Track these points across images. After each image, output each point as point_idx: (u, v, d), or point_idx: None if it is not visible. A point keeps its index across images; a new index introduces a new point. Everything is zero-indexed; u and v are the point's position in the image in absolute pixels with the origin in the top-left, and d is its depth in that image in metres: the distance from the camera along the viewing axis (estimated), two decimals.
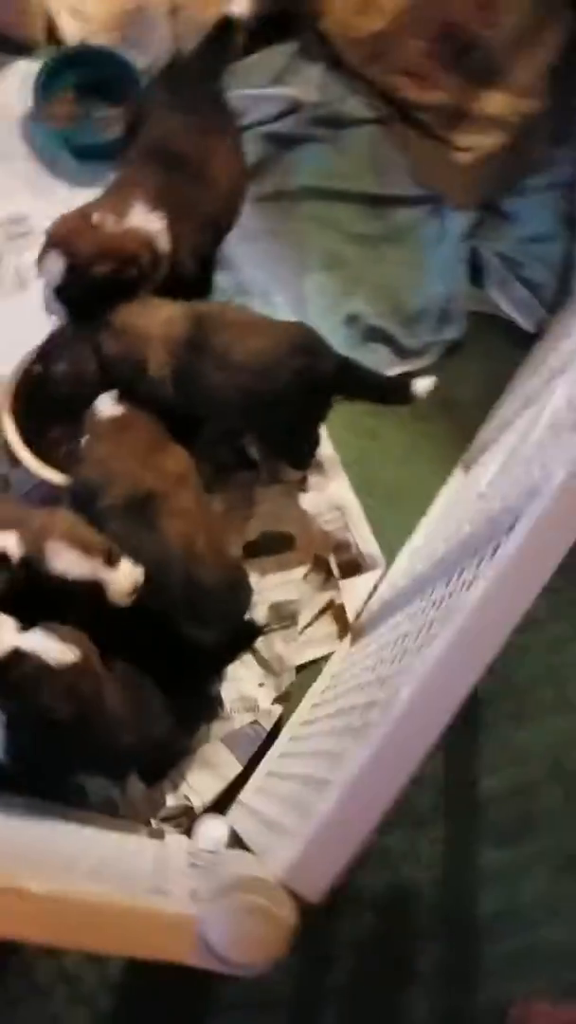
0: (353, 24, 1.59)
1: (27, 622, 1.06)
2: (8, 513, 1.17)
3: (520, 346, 1.51)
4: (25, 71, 1.56)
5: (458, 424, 1.50)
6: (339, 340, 1.47)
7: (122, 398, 1.24)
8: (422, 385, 1.27)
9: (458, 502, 1.31)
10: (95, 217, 1.21)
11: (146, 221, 1.24)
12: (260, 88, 1.59)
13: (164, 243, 1.26)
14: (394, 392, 1.30)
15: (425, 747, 0.58)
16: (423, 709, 0.59)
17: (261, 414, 1.28)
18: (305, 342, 1.25)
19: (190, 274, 1.31)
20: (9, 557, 1.08)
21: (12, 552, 1.08)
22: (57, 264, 1.21)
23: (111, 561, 1.10)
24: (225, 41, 1.35)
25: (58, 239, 1.23)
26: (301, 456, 1.40)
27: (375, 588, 1.38)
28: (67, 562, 1.08)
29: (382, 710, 0.68)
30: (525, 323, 1.52)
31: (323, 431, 1.41)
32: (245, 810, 1.12)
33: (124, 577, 1.10)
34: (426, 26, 1.56)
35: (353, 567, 1.41)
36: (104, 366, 1.25)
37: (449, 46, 1.57)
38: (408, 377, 1.32)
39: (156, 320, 1.25)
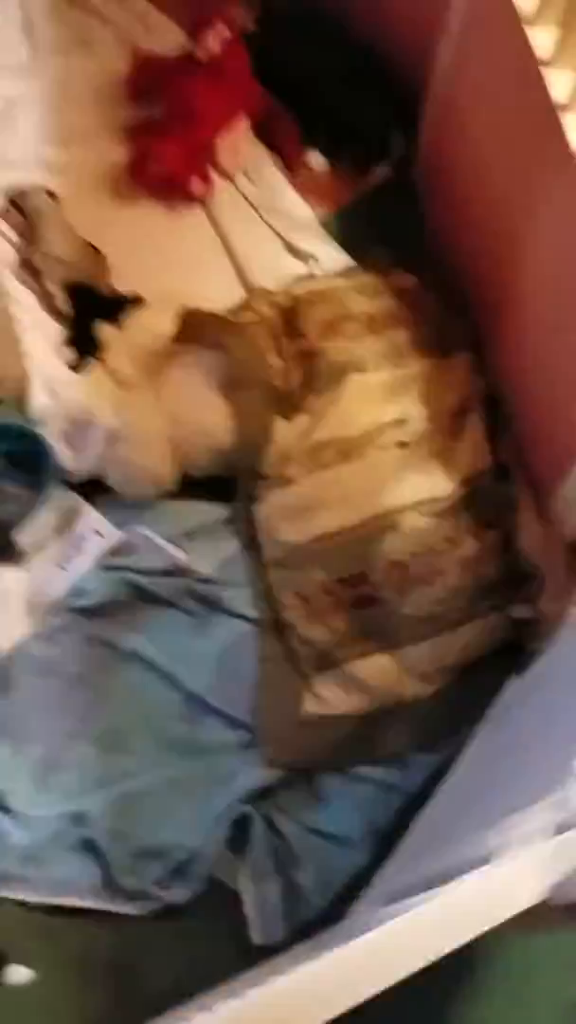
0: (279, 528, 1.52)
1: None
2: None
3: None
4: None
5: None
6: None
7: None
8: (15, 975, 1.02)
9: None
10: None
11: None
12: (163, 536, 1.53)
13: None
14: None
15: None
16: None
17: None
18: None
19: None
20: None
21: None
22: None
23: None
24: None
25: None
26: None
27: None
28: None
29: None
30: (255, 933, 1.24)
31: None
32: None
33: None
34: (336, 565, 1.46)
35: None
36: None
37: (352, 591, 1.46)
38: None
39: None
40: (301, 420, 1.56)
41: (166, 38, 2.08)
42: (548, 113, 1.29)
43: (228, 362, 1.56)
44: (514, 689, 1.36)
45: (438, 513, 1.46)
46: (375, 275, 1.78)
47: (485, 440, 1.56)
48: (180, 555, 1.50)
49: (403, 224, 1.92)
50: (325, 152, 1.97)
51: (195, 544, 1.54)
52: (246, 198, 1.92)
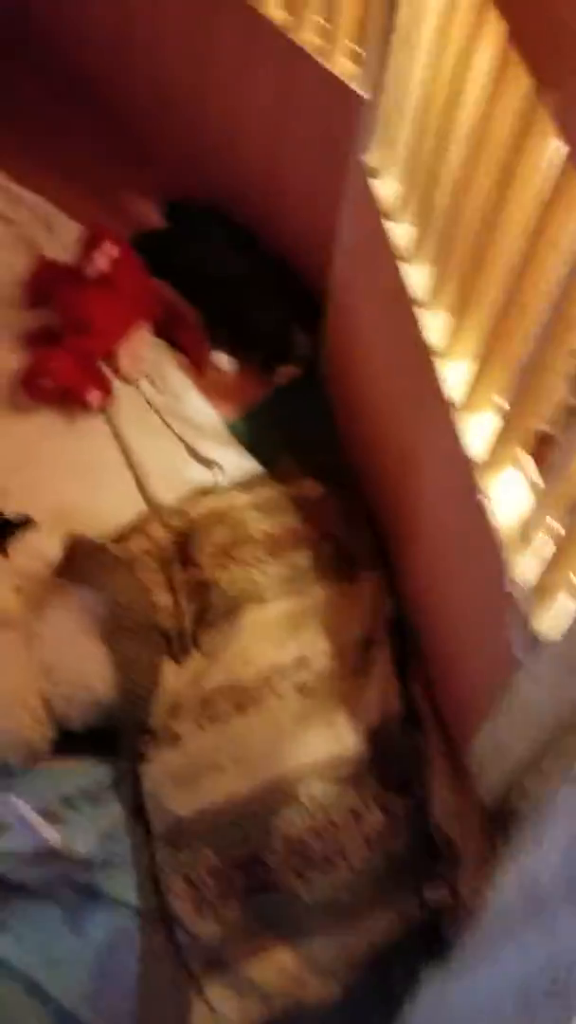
0: (166, 796, 1.35)
1: None
2: None
3: None
4: None
5: None
6: None
7: None
8: None
9: None
10: None
11: None
12: (36, 806, 1.36)
13: None
14: None
15: None
16: None
17: None
18: None
19: None
20: None
21: None
22: None
23: None
24: None
25: None
26: None
27: None
28: None
29: None
30: None
31: None
32: None
33: None
34: (227, 844, 1.29)
35: None
36: None
37: (245, 875, 1.28)
38: None
39: None
40: (192, 664, 1.42)
41: (69, 237, 2.06)
42: (424, 350, 1.21)
43: (110, 604, 1.43)
44: (430, 989, 1.18)
45: (341, 779, 1.30)
46: (279, 486, 1.68)
47: (393, 676, 1.43)
48: (53, 835, 1.32)
49: (311, 423, 1.84)
50: (231, 352, 1.91)
51: (73, 814, 1.36)
52: (150, 404, 1.85)
